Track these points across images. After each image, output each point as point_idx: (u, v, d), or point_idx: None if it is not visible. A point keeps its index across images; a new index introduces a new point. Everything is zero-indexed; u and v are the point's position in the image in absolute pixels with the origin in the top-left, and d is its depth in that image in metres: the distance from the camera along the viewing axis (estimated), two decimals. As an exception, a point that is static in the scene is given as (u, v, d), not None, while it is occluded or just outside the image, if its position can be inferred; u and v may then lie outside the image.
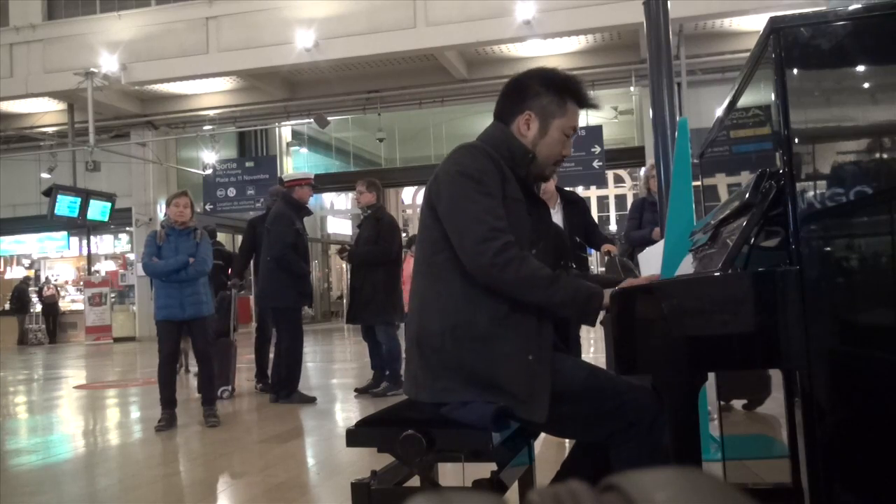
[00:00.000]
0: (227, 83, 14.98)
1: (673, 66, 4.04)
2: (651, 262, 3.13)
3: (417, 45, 12.41)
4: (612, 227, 23.06)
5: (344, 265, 6.27)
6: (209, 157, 15.23)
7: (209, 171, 15.17)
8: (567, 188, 5.08)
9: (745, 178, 2.22)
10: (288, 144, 18.69)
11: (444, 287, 1.79)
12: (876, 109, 1.64)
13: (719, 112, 2.32)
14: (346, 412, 5.45)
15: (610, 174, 20.90)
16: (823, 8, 1.58)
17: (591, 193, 22.21)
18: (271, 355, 6.18)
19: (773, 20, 1.53)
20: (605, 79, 13.57)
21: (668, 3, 3.91)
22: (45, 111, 15.75)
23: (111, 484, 3.61)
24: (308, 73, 14.43)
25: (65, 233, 17.88)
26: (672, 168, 3.31)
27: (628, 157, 15.36)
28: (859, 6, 1.51)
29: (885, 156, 1.61)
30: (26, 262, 19.20)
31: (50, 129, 15.97)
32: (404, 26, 12.19)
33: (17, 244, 18.64)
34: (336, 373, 8.40)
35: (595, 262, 12.89)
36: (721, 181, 2.96)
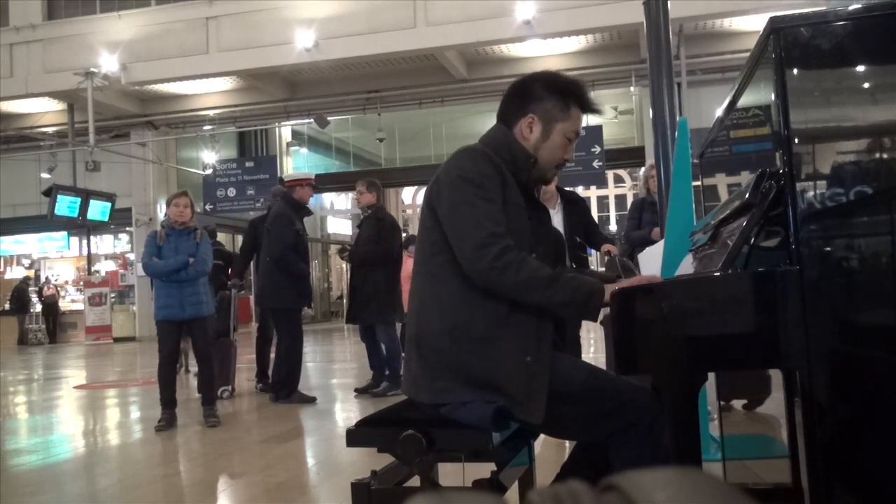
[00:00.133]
0: (227, 83, 14.98)
1: (673, 66, 4.04)
2: (651, 262, 3.13)
3: (417, 45, 12.41)
4: (612, 227, 23.07)
5: (344, 265, 6.28)
6: (209, 157, 15.23)
7: (209, 171, 15.17)
8: (567, 188, 5.08)
9: (745, 178, 2.22)
10: (288, 144, 18.69)
11: (443, 288, 1.79)
12: (876, 109, 1.64)
13: (719, 112, 2.32)
14: (346, 412, 5.45)
15: (610, 174, 20.90)
16: (823, 8, 1.58)
17: (591, 193, 22.21)
18: (272, 355, 6.19)
19: (773, 20, 1.53)
20: (605, 79, 13.57)
21: (668, 3, 3.91)
22: (45, 111, 15.76)
23: (111, 484, 3.61)
24: (308, 73, 14.43)
25: (65, 233, 17.88)
26: (672, 168, 3.31)
27: (628, 157, 15.37)
28: (859, 6, 1.51)
29: (885, 156, 1.61)
30: (26, 262, 19.20)
31: (50, 129, 15.97)
32: (404, 26, 12.19)
33: (17, 244, 18.64)
34: (336, 373, 8.40)
35: (595, 262, 12.89)
36: (721, 181, 2.96)
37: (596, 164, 13.10)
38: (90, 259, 18.13)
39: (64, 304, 17.69)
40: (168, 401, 4.87)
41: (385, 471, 1.86)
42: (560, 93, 1.86)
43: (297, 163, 18.72)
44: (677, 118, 3.69)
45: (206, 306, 5.03)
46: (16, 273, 18.80)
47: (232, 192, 15.16)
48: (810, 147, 1.55)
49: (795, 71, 1.52)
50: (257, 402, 6.02)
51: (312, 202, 7.06)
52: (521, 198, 1.84)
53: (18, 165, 15.96)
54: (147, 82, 14.05)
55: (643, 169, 5.40)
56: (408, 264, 6.83)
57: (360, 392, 5.99)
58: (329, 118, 13.93)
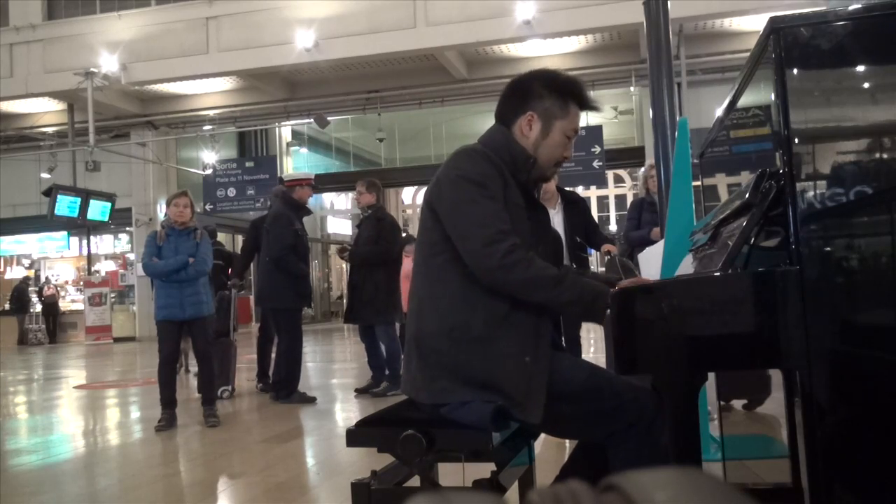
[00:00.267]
0: (227, 83, 14.98)
1: (673, 66, 4.04)
2: (651, 262, 3.13)
3: (417, 45, 12.41)
4: (612, 227, 23.06)
5: (344, 265, 6.28)
6: (209, 157, 15.23)
7: (209, 171, 15.17)
8: (567, 188, 5.08)
9: (745, 178, 2.22)
10: (288, 144, 18.69)
11: (442, 288, 1.79)
12: (876, 109, 1.64)
13: (719, 112, 2.32)
14: (346, 412, 5.45)
15: (610, 174, 20.89)
16: (823, 8, 1.58)
17: (591, 193, 22.20)
18: (273, 355, 6.19)
19: (773, 20, 1.53)
20: (605, 79, 13.56)
21: (668, 3, 3.91)
22: (45, 111, 15.76)
23: (111, 484, 3.61)
24: (308, 73, 14.43)
25: (65, 233, 17.88)
26: (672, 168, 3.31)
27: (628, 157, 15.36)
28: (859, 6, 1.51)
29: (885, 156, 1.61)
30: (26, 262, 19.20)
31: (50, 129, 15.97)
32: (404, 26, 12.19)
33: (17, 244, 18.64)
34: (336, 373, 8.40)
35: (595, 262, 12.88)
36: (721, 181, 2.96)
37: (596, 164, 13.10)
38: (90, 259, 18.14)
39: (64, 304, 17.70)
40: (168, 401, 4.87)
41: (385, 471, 1.86)
42: (559, 91, 1.87)
43: (297, 163, 18.71)
44: (677, 118, 3.69)
45: (206, 306, 5.03)
46: (16, 273, 18.80)
47: (232, 192, 15.15)
48: (810, 147, 1.55)
49: (795, 71, 1.52)
50: (257, 402, 6.02)
51: (312, 202, 7.06)
52: (521, 198, 1.84)
53: (18, 165, 15.96)
54: (147, 82, 14.05)
55: (642, 169, 5.40)
56: (406, 264, 6.84)
57: (360, 392, 5.99)
58: (329, 118, 13.93)
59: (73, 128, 14.55)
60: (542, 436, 2.71)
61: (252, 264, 7.16)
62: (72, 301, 18.05)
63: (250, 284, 13.75)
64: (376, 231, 5.97)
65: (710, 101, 11.77)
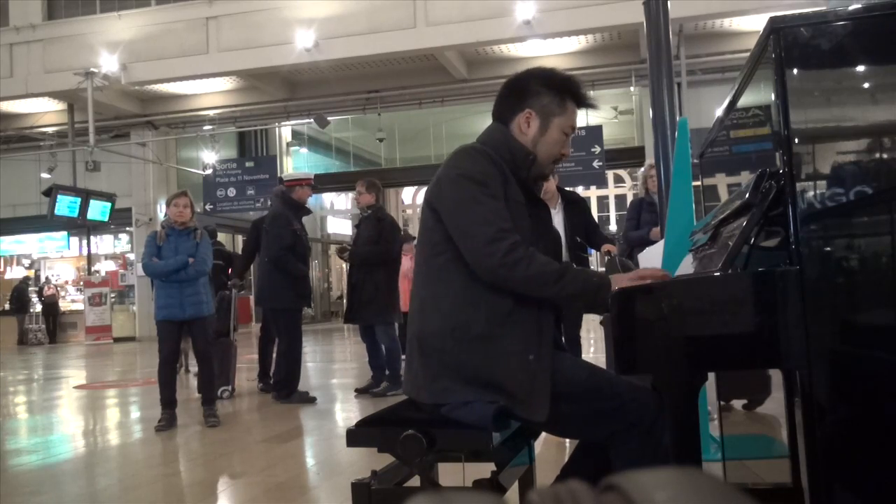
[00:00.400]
0: (227, 83, 14.98)
1: (673, 66, 4.04)
2: (651, 262, 3.13)
3: (417, 45, 12.41)
4: (612, 227, 23.07)
5: (344, 265, 6.27)
6: (209, 157, 15.23)
7: (209, 171, 15.17)
8: (567, 188, 5.08)
9: (745, 178, 2.22)
10: (288, 144, 18.69)
11: (444, 288, 1.79)
12: (876, 109, 1.64)
13: (719, 112, 2.32)
14: (346, 412, 5.45)
15: (610, 174, 20.90)
16: (823, 8, 1.58)
17: (591, 193, 22.21)
18: (274, 355, 6.19)
19: (773, 20, 1.53)
20: (605, 79, 13.57)
21: (668, 3, 3.91)
22: (45, 111, 15.75)
23: (111, 484, 3.61)
24: (308, 73, 14.43)
25: (65, 233, 17.88)
26: (672, 168, 3.31)
27: (628, 157, 15.36)
28: (859, 6, 1.51)
29: (885, 156, 1.61)
30: (26, 262, 19.20)
31: (50, 129, 15.97)
32: (404, 26, 12.19)
33: (17, 244, 18.64)
34: (336, 373, 8.40)
35: (595, 262, 12.88)
36: (721, 181, 2.96)
37: (596, 164, 13.10)
38: (90, 259, 18.14)
39: (64, 304, 17.70)
40: (168, 401, 4.87)
41: (385, 471, 1.86)
42: (556, 88, 1.88)
43: (297, 163, 18.72)
44: (677, 118, 3.69)
45: (206, 306, 5.03)
46: (16, 273, 18.80)
47: (232, 192, 15.15)
48: (810, 147, 1.55)
49: (795, 71, 1.52)
50: (257, 402, 6.02)
51: (312, 202, 7.06)
52: (522, 195, 1.85)
53: (18, 165, 15.96)
54: (147, 82, 14.05)
55: (642, 169, 5.40)
56: (405, 263, 6.84)
57: (361, 392, 5.99)
58: (329, 118, 13.93)
59: (73, 128, 14.55)
60: (542, 436, 2.71)
61: (253, 264, 7.16)
62: (72, 301, 18.05)
63: (250, 284, 13.75)
64: (376, 231, 5.97)
65: (710, 101, 11.77)
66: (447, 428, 1.73)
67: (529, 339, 1.73)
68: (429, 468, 1.79)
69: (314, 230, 20.23)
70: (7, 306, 17.34)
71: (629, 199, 20.68)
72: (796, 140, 1.51)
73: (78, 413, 6.04)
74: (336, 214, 23.18)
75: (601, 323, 3.80)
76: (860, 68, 1.65)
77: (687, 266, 2.26)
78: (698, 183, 3.06)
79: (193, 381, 6.70)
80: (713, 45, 12.77)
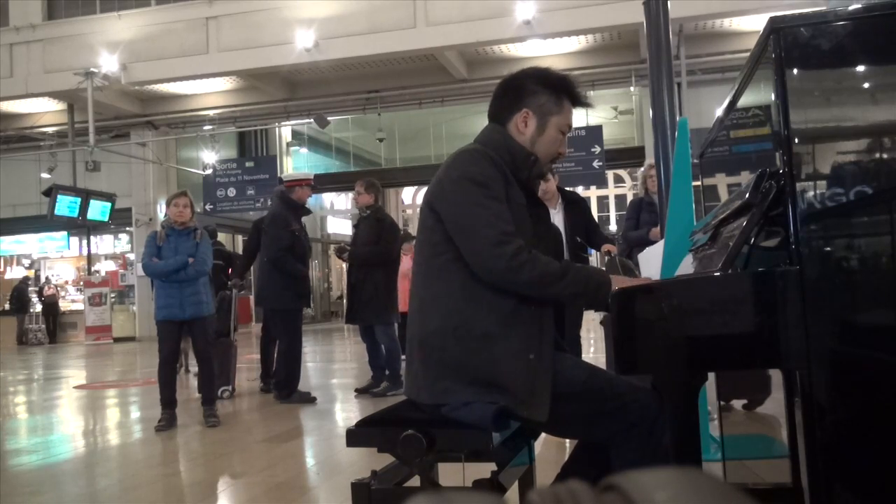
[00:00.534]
0: (227, 83, 14.98)
1: (673, 66, 4.04)
2: (651, 262, 3.13)
3: (417, 45, 12.41)
4: (612, 227, 23.08)
5: (344, 265, 6.27)
6: (209, 157, 15.23)
7: (209, 171, 15.17)
8: (567, 188, 5.08)
9: (745, 178, 2.22)
10: (288, 144, 18.69)
11: (444, 288, 1.79)
12: (876, 109, 1.64)
13: (719, 112, 2.32)
14: (346, 412, 5.45)
15: (610, 174, 20.91)
16: (823, 8, 1.58)
17: (591, 193, 22.23)
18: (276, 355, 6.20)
19: (773, 20, 1.53)
20: (605, 79, 13.57)
21: (668, 3, 3.91)
22: (45, 111, 15.75)
23: (111, 484, 3.61)
24: (308, 73, 14.43)
25: (65, 233, 17.88)
26: (672, 168, 3.31)
27: (628, 157, 15.36)
28: (859, 6, 1.51)
29: (885, 156, 1.61)
30: (26, 262, 19.20)
31: (50, 129, 15.96)
32: (404, 26, 12.19)
33: (17, 244, 18.64)
34: (336, 373, 8.40)
35: (595, 262, 12.88)
36: (721, 181, 2.96)
37: (596, 164, 13.10)
38: (90, 259, 18.14)
39: (64, 304, 17.69)
40: (168, 401, 4.87)
41: (385, 471, 1.85)
42: (553, 87, 1.89)
43: (297, 163, 18.71)
44: (677, 118, 3.69)
45: (207, 306, 5.03)
46: (16, 273, 18.80)
47: (232, 192, 15.15)
48: (810, 147, 1.55)
49: (795, 71, 1.52)
50: (257, 402, 6.02)
51: (312, 202, 7.06)
52: (523, 196, 1.85)
53: (18, 165, 15.96)
54: (147, 82, 14.05)
55: (642, 169, 5.40)
56: (405, 262, 6.84)
57: (361, 392, 5.99)
58: (329, 118, 13.93)
59: (73, 128, 14.55)
60: (542, 436, 2.71)
61: (253, 265, 7.16)
62: (72, 301, 18.05)
63: (251, 284, 13.75)
64: (376, 231, 5.97)
65: (710, 101, 11.77)
66: (447, 428, 1.73)
67: (530, 338, 1.73)
68: (429, 468, 1.79)
69: (314, 230, 20.22)
70: (7, 306, 17.34)
71: (629, 199, 20.68)
72: (796, 140, 1.51)
73: (78, 413, 6.04)
74: (336, 214, 23.18)
75: (601, 323, 3.80)
76: (860, 68, 1.65)
77: (687, 266, 2.27)
78: (698, 183, 3.06)
79: (193, 381, 6.70)
80: (713, 45, 12.77)
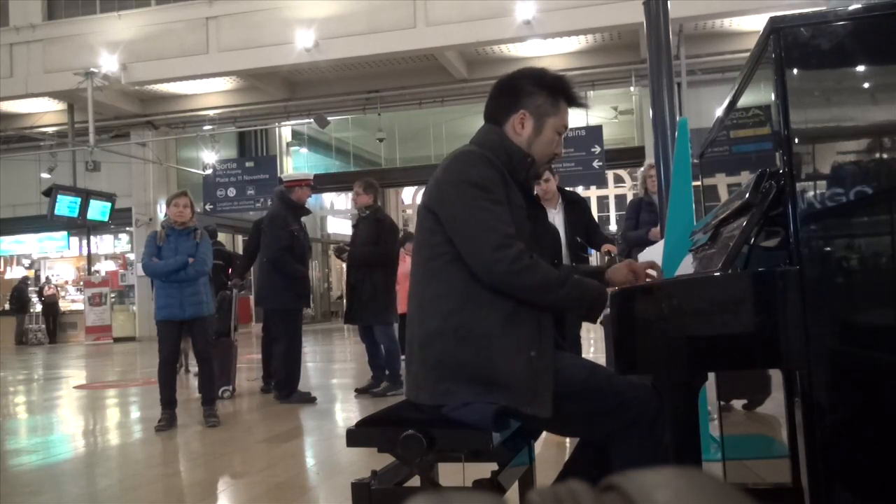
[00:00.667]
0: (227, 83, 14.98)
1: (673, 66, 4.04)
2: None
3: (417, 45, 12.41)
4: (612, 227, 23.07)
5: (344, 265, 6.26)
6: (209, 157, 15.22)
7: (209, 171, 15.16)
8: (567, 188, 5.08)
9: (745, 178, 2.22)
10: (288, 144, 18.69)
11: (444, 289, 1.79)
12: (876, 109, 1.64)
13: (719, 112, 2.32)
14: (346, 412, 5.45)
15: (610, 174, 20.90)
16: (823, 8, 1.58)
17: (591, 193, 22.21)
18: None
19: (773, 20, 1.53)
20: (605, 79, 13.56)
21: (668, 3, 3.91)
22: (45, 111, 15.75)
23: (111, 484, 3.61)
24: (308, 73, 14.43)
25: (65, 233, 17.88)
26: (672, 168, 3.31)
27: (628, 157, 15.36)
28: (859, 6, 1.51)
29: (885, 156, 1.61)
30: (26, 262, 19.20)
31: (50, 129, 15.97)
32: (404, 26, 12.19)
33: (17, 244, 18.64)
34: (336, 373, 8.40)
35: (595, 263, 12.87)
36: (721, 181, 2.96)
37: (596, 164, 13.09)
38: (90, 259, 18.13)
39: (64, 304, 17.69)
40: (168, 401, 4.87)
41: (385, 471, 1.85)
42: (549, 88, 1.89)
43: (297, 163, 18.71)
44: (677, 118, 3.69)
45: (207, 306, 5.03)
46: (16, 273, 18.80)
47: (232, 192, 15.15)
48: (810, 147, 1.55)
49: (795, 71, 1.52)
50: (257, 402, 6.02)
51: (312, 202, 7.06)
52: (521, 198, 1.85)
53: (18, 165, 15.95)
54: (147, 82, 14.05)
55: (642, 168, 5.40)
56: (406, 263, 6.83)
57: (360, 392, 5.99)
58: (329, 118, 13.93)
59: (73, 128, 14.55)
60: (543, 436, 2.71)
61: (254, 265, 7.16)
62: (72, 301, 18.05)
63: (251, 284, 13.76)
64: (376, 232, 5.96)
65: (710, 101, 11.76)
66: (447, 428, 1.73)
67: (530, 337, 1.73)
68: (429, 468, 1.79)
69: (314, 230, 20.22)
70: (7, 306, 17.35)
71: (629, 198, 20.68)
72: (796, 140, 1.51)
73: (78, 413, 6.04)
74: (336, 214, 23.17)
75: (601, 323, 3.80)
76: (860, 68, 1.65)
77: (687, 266, 2.27)
78: (698, 183, 3.06)
79: (193, 381, 6.70)
80: (713, 45, 12.77)
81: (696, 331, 1.57)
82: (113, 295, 16.25)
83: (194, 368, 6.56)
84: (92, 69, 13.02)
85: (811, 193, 1.52)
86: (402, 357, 5.56)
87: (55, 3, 14.67)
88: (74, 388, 7.71)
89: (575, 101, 1.93)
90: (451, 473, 1.96)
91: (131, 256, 16.73)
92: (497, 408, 1.68)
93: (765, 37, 1.57)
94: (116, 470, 3.88)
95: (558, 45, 13.17)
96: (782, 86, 1.51)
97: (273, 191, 7.25)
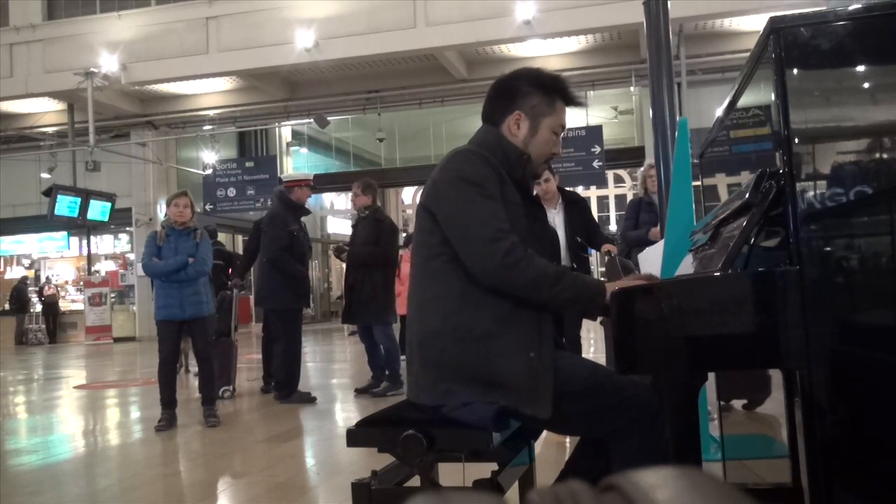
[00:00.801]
0: (227, 83, 14.98)
1: (673, 66, 4.04)
2: (651, 262, 3.13)
3: (417, 45, 12.40)
4: (612, 227, 23.07)
5: (343, 265, 6.26)
6: (209, 157, 15.22)
7: (209, 171, 15.16)
8: (567, 188, 5.08)
9: (745, 178, 2.22)
10: (288, 144, 18.68)
11: (444, 289, 1.79)
12: (876, 109, 1.64)
13: (719, 112, 2.32)
14: (346, 412, 5.45)
15: (610, 174, 20.89)
16: (823, 8, 1.58)
17: (591, 193, 22.21)
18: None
19: (773, 20, 1.53)
20: (605, 79, 13.56)
21: (668, 3, 3.91)
22: (45, 111, 15.75)
23: (111, 484, 3.61)
24: (308, 73, 14.43)
25: (65, 233, 17.88)
26: (672, 168, 3.31)
27: (628, 157, 15.35)
28: (859, 6, 1.51)
29: (885, 156, 1.61)
30: (26, 262, 19.20)
31: (50, 129, 15.96)
32: (404, 26, 12.19)
33: (17, 244, 18.64)
34: (336, 373, 8.40)
35: (595, 262, 12.88)
36: (721, 181, 2.96)
37: (596, 164, 13.09)
38: (90, 259, 18.13)
39: (64, 304, 17.69)
40: (168, 401, 4.87)
41: (385, 471, 1.86)
42: (545, 88, 1.89)
43: (297, 163, 18.71)
44: (677, 118, 3.69)
45: (207, 306, 5.03)
46: (16, 273, 18.80)
47: (232, 192, 15.15)
48: (810, 147, 1.55)
49: (795, 71, 1.52)
50: (258, 402, 6.02)
51: (312, 202, 7.06)
52: (518, 196, 1.85)
53: (18, 165, 15.95)
54: (147, 82, 14.05)
55: (641, 168, 5.40)
56: (406, 264, 6.84)
57: (360, 392, 5.99)
58: (329, 118, 13.93)
59: (73, 128, 14.55)
60: (543, 436, 2.71)
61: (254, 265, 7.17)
62: (72, 301, 18.05)
63: (250, 284, 13.76)
64: (375, 232, 5.96)
65: (710, 101, 11.76)
66: (447, 428, 1.73)
67: (530, 337, 1.73)
68: (429, 468, 1.79)
69: (314, 230, 20.22)
70: (7, 306, 17.34)
71: (629, 198, 20.68)
72: (796, 140, 1.51)
73: (78, 413, 6.04)
74: (336, 214, 23.17)
75: (601, 323, 3.80)
76: (860, 68, 1.65)
77: (687, 266, 2.27)
78: (698, 183, 3.06)
79: (193, 381, 6.70)
80: (713, 45, 12.77)
81: (696, 331, 1.57)
82: (113, 295, 16.25)
83: (194, 368, 6.56)
84: (92, 69, 13.02)
85: (811, 193, 1.52)
86: (402, 357, 5.56)
87: (55, 3, 14.67)
88: (74, 388, 7.71)
89: (571, 101, 1.93)
90: (451, 473, 1.96)
91: (131, 256, 16.73)
92: (497, 408, 1.68)
93: (765, 37, 1.57)
94: (116, 470, 3.88)
95: (558, 45, 13.17)
96: (782, 86, 1.51)
97: (273, 191, 7.25)
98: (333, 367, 9.11)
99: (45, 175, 14.85)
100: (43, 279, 18.07)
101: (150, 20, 13.60)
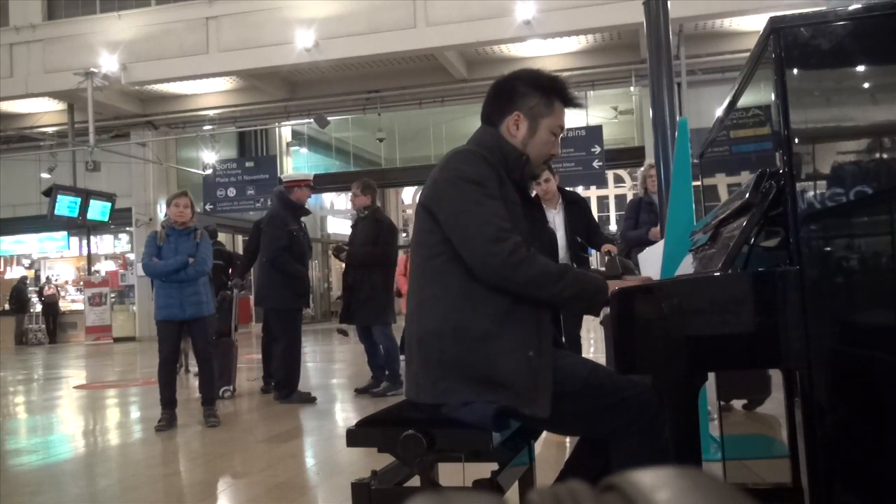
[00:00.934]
0: (227, 83, 14.98)
1: (673, 66, 4.04)
2: (651, 262, 3.13)
3: (417, 45, 12.41)
4: (612, 227, 23.08)
5: (343, 265, 6.25)
6: (209, 157, 15.22)
7: (209, 171, 15.16)
8: (568, 188, 5.08)
9: (745, 178, 2.22)
10: (288, 144, 18.68)
11: (442, 288, 1.79)
12: (876, 109, 1.64)
13: (719, 112, 2.32)
14: (346, 412, 5.45)
15: (610, 174, 20.91)
16: (823, 8, 1.58)
17: (591, 193, 22.23)
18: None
19: (773, 20, 1.53)
20: (605, 79, 13.56)
21: (668, 3, 3.91)
22: (45, 111, 15.75)
23: (111, 484, 3.61)
24: (308, 73, 14.43)
25: (65, 233, 17.88)
26: (672, 168, 3.31)
27: (628, 157, 15.35)
28: (859, 6, 1.51)
29: (885, 156, 1.61)
30: (26, 262, 19.20)
31: (50, 129, 15.96)
32: (404, 26, 12.19)
33: (17, 244, 18.64)
34: (336, 373, 8.40)
35: (595, 262, 12.87)
36: (721, 181, 2.96)
37: (596, 164, 13.09)
38: (90, 259, 18.13)
39: (64, 304, 17.69)
40: (168, 401, 4.87)
41: (385, 471, 1.86)
42: (543, 89, 1.90)
43: (297, 163, 18.71)
44: (677, 118, 3.69)
45: (207, 306, 5.03)
46: (16, 273, 18.80)
47: (232, 192, 15.15)
48: (810, 147, 1.55)
49: (795, 71, 1.52)
50: (258, 402, 6.02)
51: (312, 202, 7.06)
52: (517, 196, 1.85)
53: (18, 165, 15.95)
54: (147, 82, 14.05)
55: (641, 168, 5.40)
56: (406, 264, 6.84)
57: (360, 392, 5.99)
58: (329, 118, 13.93)
59: (73, 128, 14.55)
60: (543, 436, 2.71)
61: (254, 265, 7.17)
62: (72, 301, 18.04)
63: (251, 284, 13.76)
64: (374, 232, 5.96)
65: (710, 101, 11.76)
66: (447, 428, 1.73)
67: (529, 336, 1.73)
68: (429, 468, 1.79)
69: (314, 230, 20.22)
70: (7, 306, 17.35)
71: (629, 198, 20.68)
72: (796, 140, 1.51)
73: (78, 413, 6.04)
74: (336, 214, 23.17)
75: (601, 323, 3.80)
76: (860, 68, 1.65)
77: (687, 266, 2.27)
78: (698, 183, 3.06)
79: (193, 381, 6.70)
80: (713, 45, 12.77)
81: (696, 331, 1.57)
82: (113, 295, 16.25)
83: (194, 368, 6.56)
84: (92, 69, 13.02)
85: (811, 193, 1.52)
86: (402, 357, 5.56)
87: (55, 3, 14.67)
88: (74, 388, 7.71)
89: (570, 102, 1.93)
90: (451, 473, 1.96)
91: (131, 256, 16.73)
92: (497, 407, 1.68)
93: (765, 37, 1.57)
94: (116, 470, 3.88)
95: (558, 45, 13.17)
96: (782, 86, 1.51)
97: (273, 191, 7.25)
98: (333, 367, 9.11)
99: (45, 175, 14.85)
100: (43, 279, 18.07)
101: (150, 20, 13.60)
